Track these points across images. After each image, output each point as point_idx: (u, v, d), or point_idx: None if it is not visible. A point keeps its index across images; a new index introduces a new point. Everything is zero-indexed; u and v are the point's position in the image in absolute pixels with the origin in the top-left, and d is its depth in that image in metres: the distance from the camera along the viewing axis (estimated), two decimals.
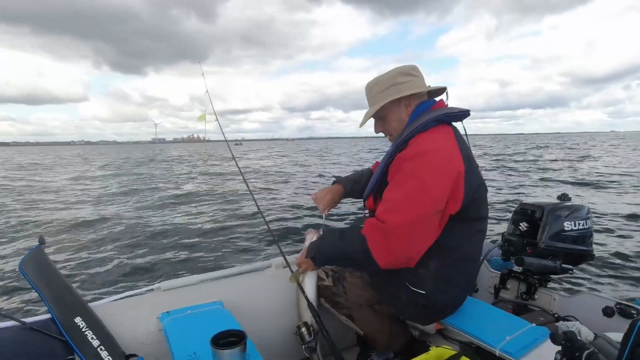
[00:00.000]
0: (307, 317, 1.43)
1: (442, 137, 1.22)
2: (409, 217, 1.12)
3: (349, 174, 1.72)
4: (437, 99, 1.37)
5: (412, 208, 1.12)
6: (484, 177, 1.30)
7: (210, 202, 9.04)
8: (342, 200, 1.65)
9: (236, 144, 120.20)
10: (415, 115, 1.30)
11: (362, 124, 1.40)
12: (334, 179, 1.70)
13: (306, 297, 1.41)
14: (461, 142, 1.24)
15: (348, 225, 5.97)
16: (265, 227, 1.78)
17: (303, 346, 1.40)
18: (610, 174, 12.39)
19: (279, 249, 1.61)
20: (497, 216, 5.80)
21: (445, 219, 1.18)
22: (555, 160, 19.37)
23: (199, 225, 6.60)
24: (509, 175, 13.28)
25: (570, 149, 31.96)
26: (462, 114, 1.29)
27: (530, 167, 15.76)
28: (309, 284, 1.48)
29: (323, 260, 1.34)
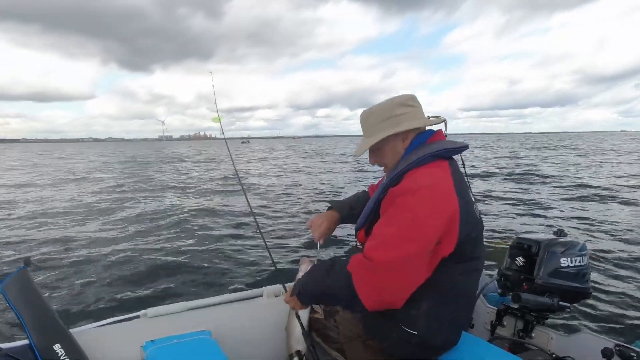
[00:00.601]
0: (300, 347, 1.39)
1: (438, 173, 1.18)
2: (398, 255, 1.07)
3: (344, 198, 1.70)
4: (436, 128, 1.34)
5: (403, 245, 1.07)
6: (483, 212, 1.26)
7: (203, 221, 8.93)
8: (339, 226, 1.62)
9: (243, 142, 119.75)
10: (411, 147, 1.27)
11: (357, 156, 1.35)
12: (328, 205, 1.68)
13: (301, 325, 1.37)
14: (457, 179, 1.20)
15: (342, 254, 5.90)
16: (261, 251, 1.74)
17: None
18: None
19: (277, 272, 1.56)
20: None
21: (437, 261, 1.13)
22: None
23: (190, 248, 6.48)
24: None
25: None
26: (460, 149, 1.26)
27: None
28: (303, 312, 1.44)
29: (308, 298, 1.28)
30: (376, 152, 1.34)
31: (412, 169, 1.20)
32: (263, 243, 1.68)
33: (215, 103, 1.83)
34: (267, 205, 10.12)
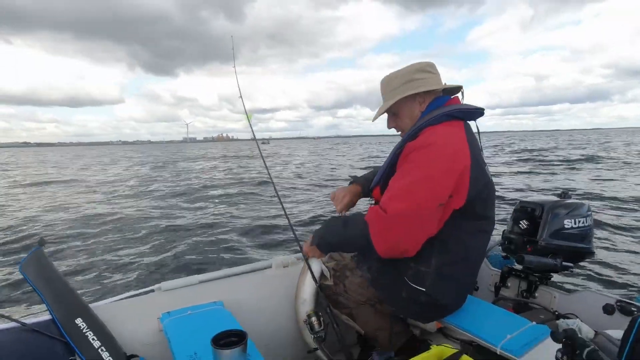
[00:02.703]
0: (314, 308, 1.44)
1: (452, 131, 1.21)
2: (408, 205, 1.12)
3: (365, 172, 1.72)
4: (453, 96, 1.36)
5: (413, 197, 1.12)
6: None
7: (214, 199, 9.01)
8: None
9: (263, 143, 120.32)
10: (428, 111, 1.30)
11: (375, 118, 1.40)
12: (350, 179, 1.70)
13: (314, 277, 1.45)
14: (471, 138, 1.24)
15: None
16: (278, 221, 1.75)
17: (312, 336, 1.39)
18: None
19: (296, 240, 1.59)
20: None
21: (447, 214, 1.18)
22: None
23: (201, 224, 6.59)
24: None
25: None
26: (476, 112, 1.29)
27: None
28: (315, 265, 1.49)
29: (327, 247, 1.37)
30: (394, 116, 1.38)
31: (427, 127, 1.23)
32: (282, 212, 1.71)
33: (241, 96, 1.82)
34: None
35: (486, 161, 1.30)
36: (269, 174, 1.83)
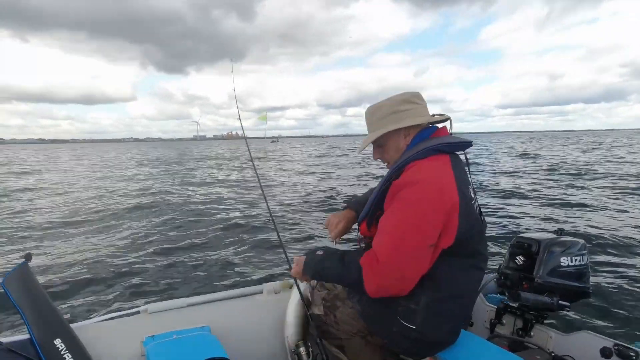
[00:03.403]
0: (303, 337, 1.40)
1: (438, 166, 1.20)
2: (398, 250, 1.11)
3: (359, 195, 1.71)
4: (440, 125, 1.35)
5: (403, 240, 1.11)
6: None
7: (207, 216, 8.92)
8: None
9: (272, 141, 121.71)
10: (413, 143, 1.29)
11: (360, 150, 1.40)
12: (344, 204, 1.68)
13: (310, 315, 1.40)
14: (458, 173, 1.21)
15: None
16: (269, 245, 1.75)
17: None
18: None
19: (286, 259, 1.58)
20: None
21: (437, 253, 1.16)
22: None
23: (192, 244, 6.49)
24: None
25: None
26: (464, 145, 1.27)
27: None
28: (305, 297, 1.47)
29: (319, 280, 1.39)
30: (379, 147, 1.37)
31: (413, 162, 1.21)
32: (275, 236, 1.73)
33: (235, 97, 1.90)
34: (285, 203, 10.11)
35: (474, 196, 1.28)
36: (261, 188, 1.83)
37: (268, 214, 1.76)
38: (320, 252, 1.34)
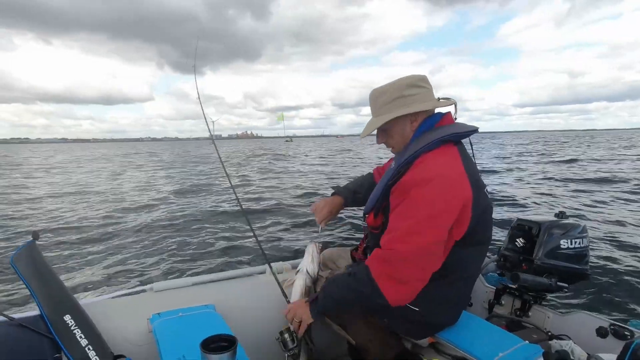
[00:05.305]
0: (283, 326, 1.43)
1: (449, 160, 1.17)
2: (417, 247, 1.10)
3: (348, 182, 1.71)
4: (445, 110, 1.31)
5: (421, 237, 1.10)
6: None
7: (211, 200, 8.99)
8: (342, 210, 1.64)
9: (287, 140, 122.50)
10: (420, 131, 1.26)
11: (363, 135, 1.33)
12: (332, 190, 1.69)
13: (288, 302, 1.41)
14: (467, 163, 1.19)
15: (343, 234, 5.95)
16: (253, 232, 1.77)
17: (285, 354, 1.38)
18: None
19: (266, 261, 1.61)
20: None
21: (450, 245, 1.16)
22: None
23: (197, 226, 6.56)
24: None
25: None
26: (469, 133, 1.25)
27: None
28: (297, 286, 1.50)
29: (328, 308, 1.32)
30: (384, 132, 1.32)
31: (421, 155, 1.19)
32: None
33: (199, 98, 1.89)
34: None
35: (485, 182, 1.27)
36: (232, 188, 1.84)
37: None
38: (319, 292, 1.34)
